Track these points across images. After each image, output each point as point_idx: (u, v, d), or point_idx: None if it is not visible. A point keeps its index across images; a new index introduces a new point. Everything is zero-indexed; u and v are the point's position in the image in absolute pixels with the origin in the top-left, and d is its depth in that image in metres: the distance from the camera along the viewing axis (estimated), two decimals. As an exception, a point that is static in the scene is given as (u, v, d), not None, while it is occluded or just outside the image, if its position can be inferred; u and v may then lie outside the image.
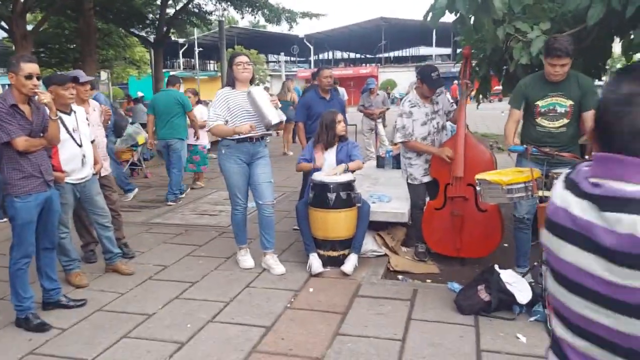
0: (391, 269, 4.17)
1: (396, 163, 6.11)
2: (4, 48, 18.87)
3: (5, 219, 3.96)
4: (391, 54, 47.81)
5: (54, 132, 3.21)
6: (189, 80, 28.61)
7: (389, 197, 4.78)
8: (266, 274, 4.01)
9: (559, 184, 1.01)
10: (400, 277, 4.02)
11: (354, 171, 4.18)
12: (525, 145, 3.44)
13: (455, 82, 17.59)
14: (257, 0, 13.77)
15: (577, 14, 3.79)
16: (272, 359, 2.79)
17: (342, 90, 9.98)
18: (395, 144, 5.72)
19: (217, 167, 4.46)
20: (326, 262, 4.03)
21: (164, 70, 14.98)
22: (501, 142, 8.76)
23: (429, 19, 4.07)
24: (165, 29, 13.86)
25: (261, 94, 3.86)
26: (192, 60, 40.96)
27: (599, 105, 0.95)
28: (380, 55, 44.07)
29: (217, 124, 3.91)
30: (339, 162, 4.19)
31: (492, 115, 17.27)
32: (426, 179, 4.21)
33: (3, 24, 10.34)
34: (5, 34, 11.25)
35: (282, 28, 27.69)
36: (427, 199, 4.32)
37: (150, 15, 14.46)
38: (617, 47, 4.78)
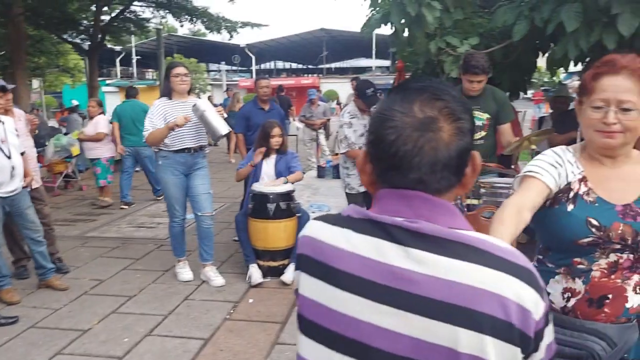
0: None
1: (336, 173, 6.21)
2: None
3: None
4: (332, 65, 48.49)
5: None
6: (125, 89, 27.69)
7: (328, 206, 4.86)
8: (205, 286, 3.96)
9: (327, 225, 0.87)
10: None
11: (294, 182, 4.21)
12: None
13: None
14: (196, 9, 13.61)
15: (504, 30, 4.01)
16: (211, 372, 2.75)
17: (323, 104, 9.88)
18: (336, 154, 5.81)
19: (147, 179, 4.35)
20: (266, 272, 4.02)
21: (99, 79, 14.40)
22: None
23: (365, 30, 4.21)
24: (100, 36, 13.40)
25: (208, 107, 3.82)
26: (130, 68, 39.82)
27: (381, 127, 0.78)
28: (322, 66, 44.57)
29: (150, 132, 3.83)
30: (277, 173, 4.21)
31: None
32: (362, 189, 4.31)
33: None
34: None
35: (223, 37, 27.46)
36: (365, 208, 4.41)
37: (85, 22, 13.96)
38: (542, 61, 5.08)
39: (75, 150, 7.81)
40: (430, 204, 0.78)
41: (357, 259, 0.78)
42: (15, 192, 3.62)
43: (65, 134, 8.53)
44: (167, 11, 13.85)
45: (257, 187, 4.04)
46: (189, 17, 13.84)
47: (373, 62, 41.81)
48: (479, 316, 0.71)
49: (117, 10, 13.72)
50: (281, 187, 4.01)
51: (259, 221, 3.99)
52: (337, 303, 0.79)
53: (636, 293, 1.41)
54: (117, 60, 36.85)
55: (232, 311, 3.49)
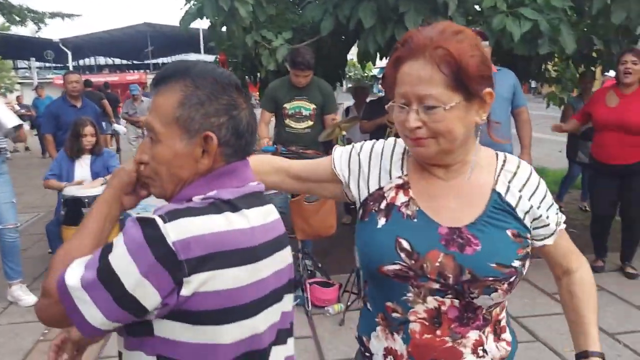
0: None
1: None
2: None
3: None
4: (160, 60, 46.45)
5: None
6: None
7: (155, 206, 4.66)
8: (14, 307, 3.54)
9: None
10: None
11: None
12: (275, 146, 3.71)
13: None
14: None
15: (314, 26, 4.23)
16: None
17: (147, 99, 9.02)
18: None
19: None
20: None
21: None
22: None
23: (182, 25, 4.12)
24: None
25: None
26: None
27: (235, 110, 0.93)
28: (149, 62, 42.42)
29: None
30: (94, 174, 3.92)
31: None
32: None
33: None
34: None
35: (31, 30, 24.59)
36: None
37: None
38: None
39: None
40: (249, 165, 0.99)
41: (260, 229, 0.92)
42: None
43: None
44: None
45: (69, 191, 3.70)
46: (-18, 7, 12.15)
47: (203, 57, 41.02)
48: (285, 236, 1.01)
49: None
50: (97, 190, 3.73)
51: (73, 229, 3.66)
52: (258, 274, 0.90)
53: (479, 357, 1.02)
54: None
55: (46, 331, 3.17)
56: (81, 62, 45.88)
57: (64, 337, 1.07)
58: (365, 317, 1.13)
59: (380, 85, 4.99)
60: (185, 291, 0.81)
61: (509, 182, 1.04)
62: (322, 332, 3.14)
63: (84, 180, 3.88)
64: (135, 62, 46.96)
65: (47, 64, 43.01)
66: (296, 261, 3.45)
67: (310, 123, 3.84)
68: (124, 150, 9.46)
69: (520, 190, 1.03)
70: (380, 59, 4.76)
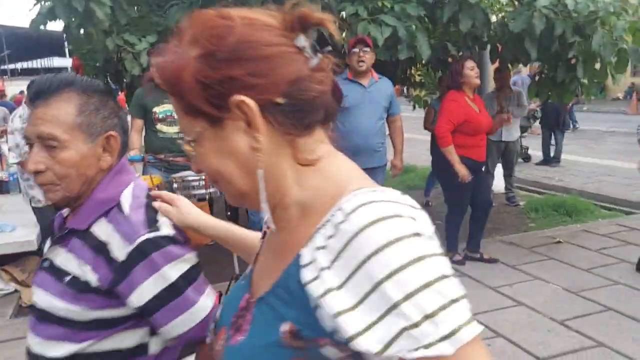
0: (24, 304, 3.71)
1: (22, 186, 5.44)
2: None
3: None
4: (19, 65, 42.35)
5: None
6: None
7: (12, 225, 4.22)
8: None
9: None
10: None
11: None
12: (142, 154, 3.54)
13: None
14: None
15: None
16: None
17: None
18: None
19: None
20: None
21: None
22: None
23: (33, 26, 3.78)
24: None
25: None
26: None
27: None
28: (5, 67, 38.47)
29: None
30: None
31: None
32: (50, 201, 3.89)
33: None
34: None
35: None
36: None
37: None
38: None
39: None
40: None
41: None
42: None
43: None
44: None
45: None
46: None
47: (68, 62, 38.10)
48: None
49: None
50: None
51: None
52: None
53: None
54: None
55: None
56: None
57: None
58: None
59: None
60: None
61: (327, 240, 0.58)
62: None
63: None
64: (-12, 67, 42.35)
65: None
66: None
67: None
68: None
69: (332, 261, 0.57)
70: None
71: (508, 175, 6.26)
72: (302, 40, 0.63)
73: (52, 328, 1.01)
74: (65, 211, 1.13)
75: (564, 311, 3.24)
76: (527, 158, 8.82)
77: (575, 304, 3.34)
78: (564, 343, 2.88)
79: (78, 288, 0.99)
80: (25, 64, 42.83)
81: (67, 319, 0.99)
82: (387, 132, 3.96)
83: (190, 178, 3.34)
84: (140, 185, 1.10)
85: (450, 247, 4.22)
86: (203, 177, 3.06)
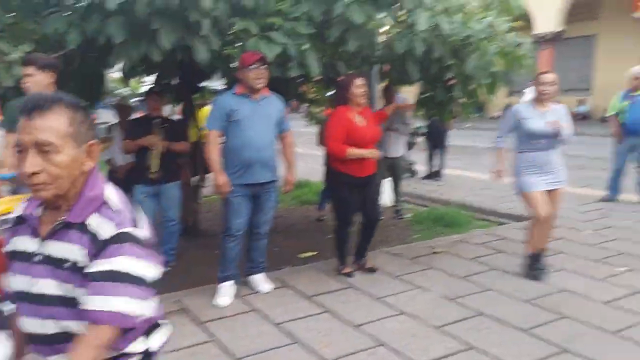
0: None
1: None
2: None
3: None
4: None
5: None
6: None
7: None
8: None
9: None
10: None
11: None
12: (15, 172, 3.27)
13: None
14: None
15: (60, 38, 3.86)
16: None
17: None
18: None
19: None
20: None
21: None
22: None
23: None
24: None
25: None
26: None
27: None
28: None
29: None
30: None
31: None
32: None
33: None
34: None
35: None
36: None
37: None
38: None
39: None
40: None
41: None
42: None
43: None
44: None
45: None
46: None
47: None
48: None
49: None
50: None
51: None
52: None
53: None
54: None
55: None
56: None
57: None
58: None
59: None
60: None
61: None
62: None
63: None
64: None
65: None
66: None
67: None
68: None
69: None
70: (148, 75, 4.58)
71: (395, 189, 6.58)
72: None
73: (51, 308, 1.29)
74: (36, 212, 1.36)
75: (441, 317, 3.45)
76: (413, 173, 9.33)
77: (451, 310, 3.57)
78: (440, 348, 3.07)
79: (77, 270, 1.27)
80: None
81: (66, 297, 1.28)
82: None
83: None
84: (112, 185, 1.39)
85: (339, 260, 4.35)
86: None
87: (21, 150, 1.25)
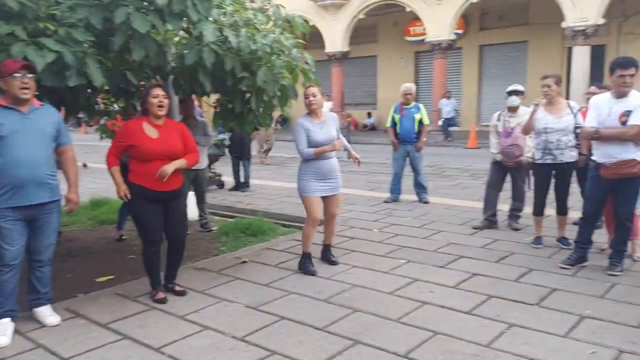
0: None
1: None
2: None
3: None
4: None
5: None
6: None
7: None
8: None
9: None
10: None
11: None
12: None
13: None
14: None
15: None
16: None
17: None
18: None
19: None
20: None
21: None
22: None
23: None
24: None
25: None
26: None
27: None
28: None
29: None
30: None
31: None
32: None
33: None
34: None
35: None
36: None
37: None
38: None
39: None
40: None
41: None
42: None
43: None
44: None
45: None
46: None
47: None
48: None
49: None
50: None
51: None
52: None
53: None
54: None
55: None
56: None
57: None
58: None
59: None
60: None
61: None
62: None
63: None
64: None
65: None
66: None
67: None
68: None
69: None
70: None
71: (200, 202, 6.46)
72: None
73: None
74: None
75: (244, 327, 3.46)
76: (221, 185, 9.30)
77: (254, 319, 3.60)
78: (244, 358, 3.07)
79: None
80: None
81: None
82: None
83: None
84: None
85: (151, 284, 4.04)
86: None
87: None
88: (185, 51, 4.15)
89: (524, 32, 19.03)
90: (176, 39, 4.97)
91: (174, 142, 3.91)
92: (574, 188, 5.28)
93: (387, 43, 22.67)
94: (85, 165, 11.78)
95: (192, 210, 6.53)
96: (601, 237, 5.05)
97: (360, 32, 21.17)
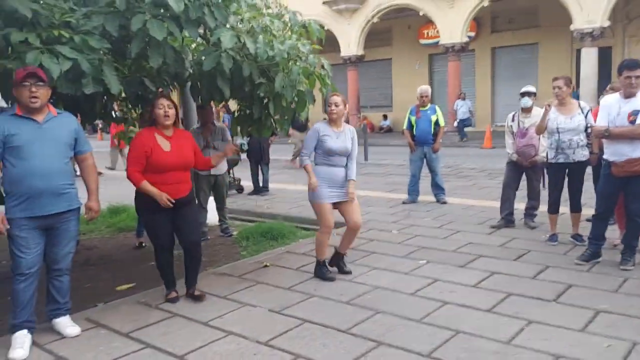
0: None
1: None
2: None
3: None
4: None
5: None
6: None
7: None
8: None
9: None
10: None
11: None
12: None
13: None
14: None
15: None
16: None
17: None
18: None
19: None
20: None
21: None
22: None
23: None
24: None
25: None
26: None
27: None
28: None
29: None
30: None
31: None
32: None
33: None
34: None
35: None
36: None
37: None
38: None
39: None
40: None
41: None
42: None
43: None
44: None
45: None
46: None
47: None
48: None
49: None
50: None
51: None
52: None
53: None
54: None
55: None
56: None
57: None
58: None
59: None
60: None
61: None
62: None
63: None
64: None
65: None
66: None
67: None
68: None
69: None
70: None
71: (220, 207, 6.48)
72: None
73: None
74: None
75: (268, 332, 3.44)
76: (240, 189, 9.34)
77: (277, 323, 3.58)
78: (268, 362, 3.05)
79: None
80: None
81: None
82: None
83: None
84: None
85: (165, 285, 4.12)
86: None
87: None
88: (203, 57, 4.17)
89: (534, 34, 19.01)
90: (193, 45, 5.01)
91: (186, 153, 3.95)
92: (587, 186, 5.26)
93: (401, 46, 22.66)
94: (100, 173, 11.89)
95: (213, 216, 6.56)
96: (614, 233, 5.06)
97: (375, 36, 21.21)
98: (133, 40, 3.65)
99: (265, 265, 4.90)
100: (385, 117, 23.04)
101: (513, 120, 5.95)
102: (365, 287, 4.20)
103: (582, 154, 5.02)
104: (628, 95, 4.29)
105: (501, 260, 4.74)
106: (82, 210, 3.59)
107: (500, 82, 20.48)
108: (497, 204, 6.24)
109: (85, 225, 6.25)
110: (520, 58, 19.86)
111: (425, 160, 7.56)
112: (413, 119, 7.52)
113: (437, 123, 7.46)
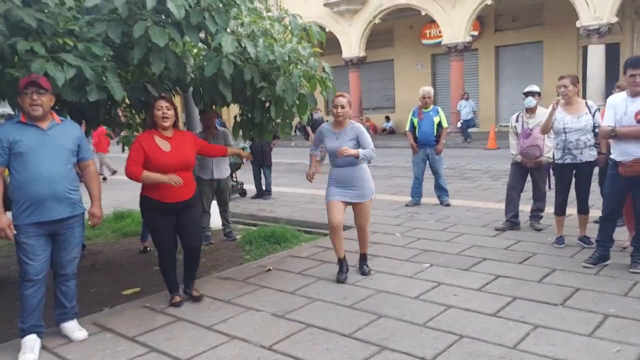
0: None
1: None
2: None
3: None
4: None
5: None
6: None
7: None
8: None
9: None
10: None
11: None
12: None
13: None
14: None
15: None
16: None
17: None
18: None
19: None
20: None
21: None
22: None
23: None
24: None
25: None
26: None
27: None
28: None
29: None
30: None
31: None
32: None
33: None
34: None
35: None
36: None
37: None
38: None
39: None
40: None
41: None
42: None
43: None
44: None
45: None
46: None
47: None
48: None
49: None
50: None
51: None
52: None
53: None
54: None
55: None
56: None
57: None
58: None
59: None
60: None
61: None
62: None
63: None
64: None
65: None
66: None
67: None
68: None
69: None
70: None
71: (223, 211, 6.50)
72: None
73: None
74: None
75: (271, 336, 3.45)
76: (243, 193, 9.35)
77: (281, 327, 3.59)
78: (271, 367, 3.06)
79: None
80: None
81: None
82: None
83: None
84: None
85: (169, 290, 4.15)
86: None
87: None
88: (205, 63, 4.19)
89: (539, 32, 18.89)
90: (195, 50, 5.04)
91: (186, 153, 3.99)
92: (594, 187, 5.21)
93: (403, 47, 22.64)
94: (105, 179, 11.94)
95: (216, 220, 6.58)
96: (623, 235, 4.98)
97: (377, 37, 21.20)
98: (135, 47, 3.68)
99: (269, 269, 4.90)
100: (387, 118, 23.03)
101: (517, 120, 5.89)
102: (369, 290, 4.20)
103: (590, 154, 4.93)
104: (634, 94, 4.20)
105: (506, 263, 4.71)
106: (87, 216, 3.63)
107: (504, 81, 20.41)
108: (502, 206, 6.21)
109: (91, 231, 6.28)
110: (524, 57, 19.75)
111: (428, 162, 7.54)
112: (415, 120, 7.51)
113: (440, 124, 7.44)
